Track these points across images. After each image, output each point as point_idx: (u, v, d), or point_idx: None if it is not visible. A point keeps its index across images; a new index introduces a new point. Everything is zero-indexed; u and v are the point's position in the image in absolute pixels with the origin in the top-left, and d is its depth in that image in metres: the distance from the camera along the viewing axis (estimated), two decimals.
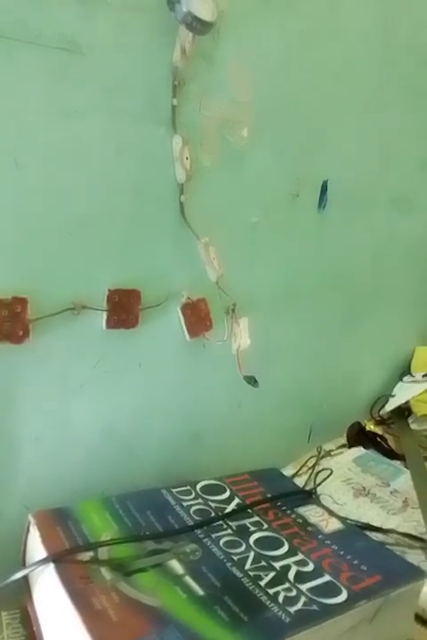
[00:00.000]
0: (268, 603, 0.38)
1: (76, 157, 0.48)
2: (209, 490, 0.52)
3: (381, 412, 0.88)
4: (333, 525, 0.49)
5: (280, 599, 0.38)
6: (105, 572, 0.38)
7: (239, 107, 0.58)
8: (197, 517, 0.47)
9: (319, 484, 0.63)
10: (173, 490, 0.51)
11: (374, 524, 0.58)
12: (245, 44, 0.57)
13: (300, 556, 0.43)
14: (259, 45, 0.59)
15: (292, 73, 0.63)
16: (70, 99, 0.46)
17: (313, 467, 0.69)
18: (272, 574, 0.41)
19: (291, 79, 0.63)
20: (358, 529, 0.52)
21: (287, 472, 0.67)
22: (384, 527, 0.57)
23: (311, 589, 0.39)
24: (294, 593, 0.39)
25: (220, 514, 0.48)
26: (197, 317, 0.60)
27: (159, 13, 0.49)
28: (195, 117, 0.55)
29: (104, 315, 0.52)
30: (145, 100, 0.51)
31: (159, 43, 0.50)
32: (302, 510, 0.51)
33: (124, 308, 0.53)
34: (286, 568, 0.42)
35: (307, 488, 0.62)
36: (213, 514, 0.48)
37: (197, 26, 0.47)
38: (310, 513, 0.51)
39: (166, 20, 0.49)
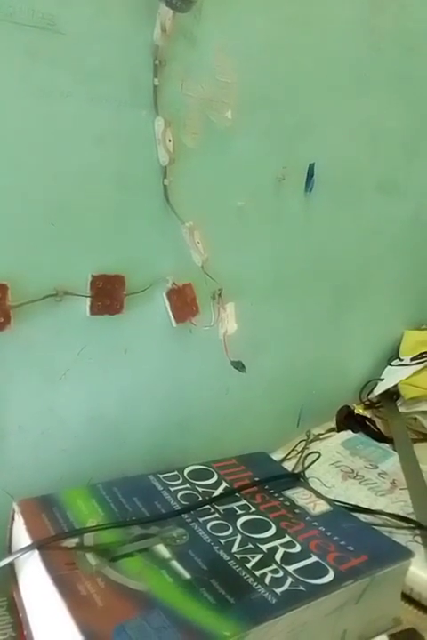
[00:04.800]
0: (254, 584, 0.38)
1: (55, 140, 0.47)
2: (196, 475, 0.52)
3: (370, 396, 0.88)
4: (320, 507, 0.49)
5: (267, 581, 0.38)
6: (90, 558, 0.38)
7: (223, 87, 0.57)
8: (184, 502, 0.47)
9: (307, 467, 0.63)
10: (161, 475, 0.51)
11: (362, 505, 0.58)
12: (228, 23, 0.56)
13: (287, 538, 0.44)
14: (242, 25, 0.58)
15: (276, 54, 0.62)
16: (48, 79, 0.45)
17: (302, 450, 0.69)
18: (259, 556, 0.41)
19: (276, 60, 0.62)
20: (346, 510, 0.52)
21: (277, 456, 0.67)
22: (372, 508, 0.57)
23: (298, 570, 0.39)
24: (280, 574, 0.39)
25: (207, 498, 0.48)
26: (183, 303, 0.59)
27: None
28: (177, 98, 0.54)
29: (88, 301, 0.51)
30: (125, 80, 0.50)
31: (139, 21, 0.49)
32: (289, 493, 0.51)
33: (109, 294, 0.53)
34: (274, 550, 0.42)
35: (295, 471, 0.62)
36: (200, 498, 0.48)
37: (178, 3, 0.46)
38: (298, 495, 0.51)
39: None
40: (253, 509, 0.47)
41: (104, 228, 0.52)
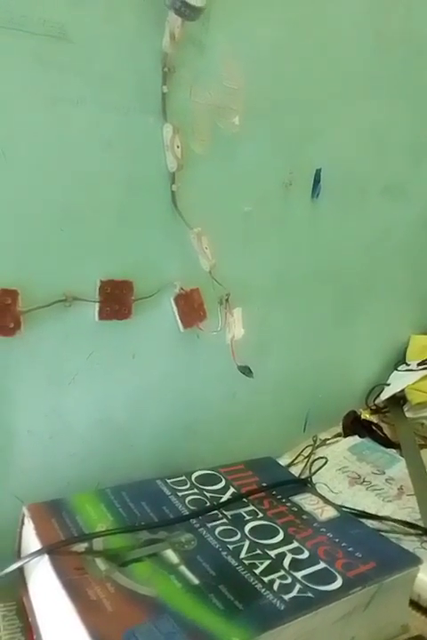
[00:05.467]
0: (263, 590, 0.38)
1: (64, 146, 0.47)
2: (204, 480, 0.52)
3: (376, 401, 0.88)
4: (328, 513, 0.49)
5: (275, 587, 0.38)
6: (100, 563, 0.38)
7: (230, 94, 0.57)
8: (192, 507, 0.47)
9: (314, 473, 0.63)
10: (169, 480, 0.51)
11: (370, 511, 0.58)
12: (236, 31, 0.57)
13: (295, 544, 0.44)
14: (250, 32, 0.58)
15: (283, 60, 0.63)
16: (58, 87, 0.46)
17: (309, 456, 0.69)
18: (267, 562, 0.41)
19: (283, 66, 0.63)
20: (353, 516, 0.52)
21: (283, 461, 0.67)
22: (379, 514, 0.57)
23: (306, 577, 0.39)
24: (289, 580, 0.39)
25: (215, 503, 0.48)
26: (191, 308, 0.59)
27: None
28: (185, 105, 0.54)
29: (96, 306, 0.52)
30: (134, 87, 0.50)
31: (148, 28, 0.49)
32: (297, 499, 0.51)
33: (117, 299, 0.53)
34: (281, 556, 0.42)
35: (302, 477, 0.62)
36: (208, 503, 0.48)
37: (187, 11, 0.46)
38: (306, 501, 0.51)
39: (155, 5, 0.48)
40: (260, 515, 0.48)
41: (112, 234, 0.52)
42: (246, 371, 0.64)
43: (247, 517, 0.47)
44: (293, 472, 0.62)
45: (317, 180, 0.71)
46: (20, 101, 0.44)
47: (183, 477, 0.52)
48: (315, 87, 0.67)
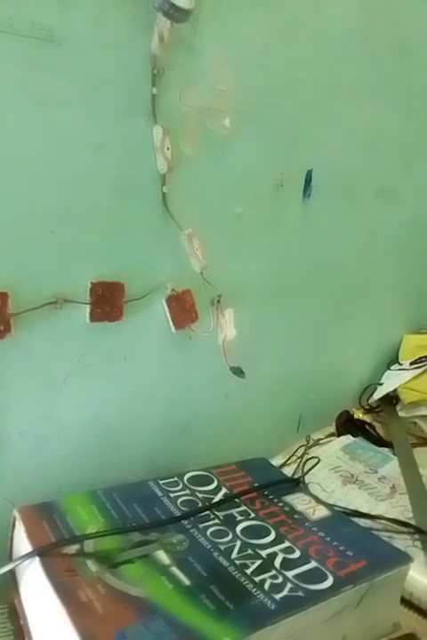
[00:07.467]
0: (254, 590, 0.38)
1: (54, 149, 0.47)
2: (196, 481, 0.52)
3: (369, 401, 0.88)
4: (320, 513, 0.50)
5: (266, 586, 0.38)
6: (91, 565, 0.38)
7: (220, 95, 0.58)
8: (184, 508, 0.47)
9: (307, 473, 0.63)
10: (161, 481, 0.51)
11: (362, 510, 0.58)
12: (226, 32, 0.57)
13: (286, 544, 0.44)
14: (240, 33, 0.58)
15: (274, 61, 0.63)
16: (48, 89, 0.46)
17: (302, 456, 0.69)
18: (258, 562, 0.41)
19: (273, 68, 0.63)
20: (345, 515, 0.53)
21: (277, 462, 0.68)
22: (372, 513, 0.58)
23: (297, 576, 0.40)
24: (279, 580, 0.39)
25: (207, 504, 0.48)
26: (183, 309, 0.60)
27: (136, 1, 0.48)
28: (175, 106, 0.54)
29: (87, 308, 0.52)
30: (124, 90, 0.50)
31: (137, 31, 0.49)
32: (289, 499, 0.51)
33: (108, 301, 0.53)
34: (273, 556, 0.42)
35: (295, 477, 0.62)
36: (200, 504, 0.48)
37: (175, 13, 0.46)
38: (298, 501, 0.51)
39: (144, 7, 0.48)
40: (252, 515, 0.48)
41: (103, 236, 0.52)
42: (238, 371, 0.64)
43: (239, 518, 0.47)
44: (286, 472, 0.63)
45: (308, 181, 0.71)
46: (8, 104, 0.44)
47: (175, 478, 0.52)
48: (305, 88, 0.67)
